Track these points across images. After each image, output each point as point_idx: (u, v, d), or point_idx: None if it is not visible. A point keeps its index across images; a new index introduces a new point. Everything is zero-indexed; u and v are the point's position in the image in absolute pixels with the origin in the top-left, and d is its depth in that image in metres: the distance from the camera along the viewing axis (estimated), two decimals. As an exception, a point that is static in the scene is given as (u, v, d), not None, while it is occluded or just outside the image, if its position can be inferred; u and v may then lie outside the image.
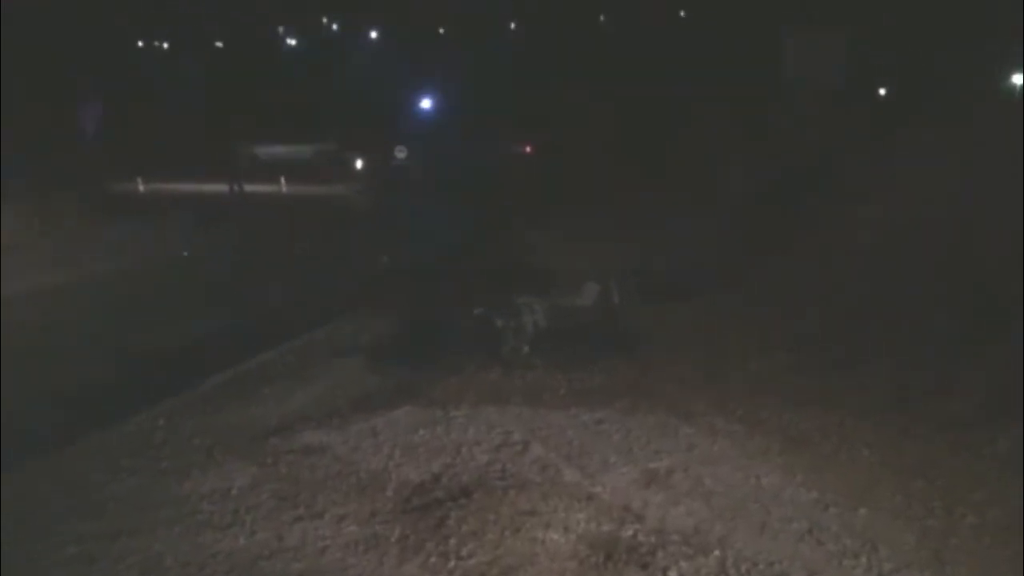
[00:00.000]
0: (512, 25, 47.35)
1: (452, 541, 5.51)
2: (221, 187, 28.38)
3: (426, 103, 33.42)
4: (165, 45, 48.77)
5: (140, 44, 47.03)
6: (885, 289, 10.46)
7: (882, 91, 46.49)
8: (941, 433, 7.08)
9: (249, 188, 28.00)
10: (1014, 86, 47.15)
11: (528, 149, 30.09)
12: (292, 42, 51.90)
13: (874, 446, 6.88)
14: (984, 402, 7.47)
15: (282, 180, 29.49)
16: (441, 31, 48.16)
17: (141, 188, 29.23)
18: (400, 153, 29.68)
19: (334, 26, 51.92)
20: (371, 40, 49.26)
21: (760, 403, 7.81)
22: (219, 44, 48.00)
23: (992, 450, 6.74)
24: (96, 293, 14.53)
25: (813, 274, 11.68)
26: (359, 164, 31.22)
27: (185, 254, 18.51)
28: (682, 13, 42.48)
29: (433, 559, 5.35)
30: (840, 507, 5.92)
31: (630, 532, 5.62)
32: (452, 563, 5.29)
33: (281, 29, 50.85)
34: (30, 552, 5.65)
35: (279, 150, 32.52)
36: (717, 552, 5.38)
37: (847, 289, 10.80)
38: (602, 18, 45.50)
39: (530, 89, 31.71)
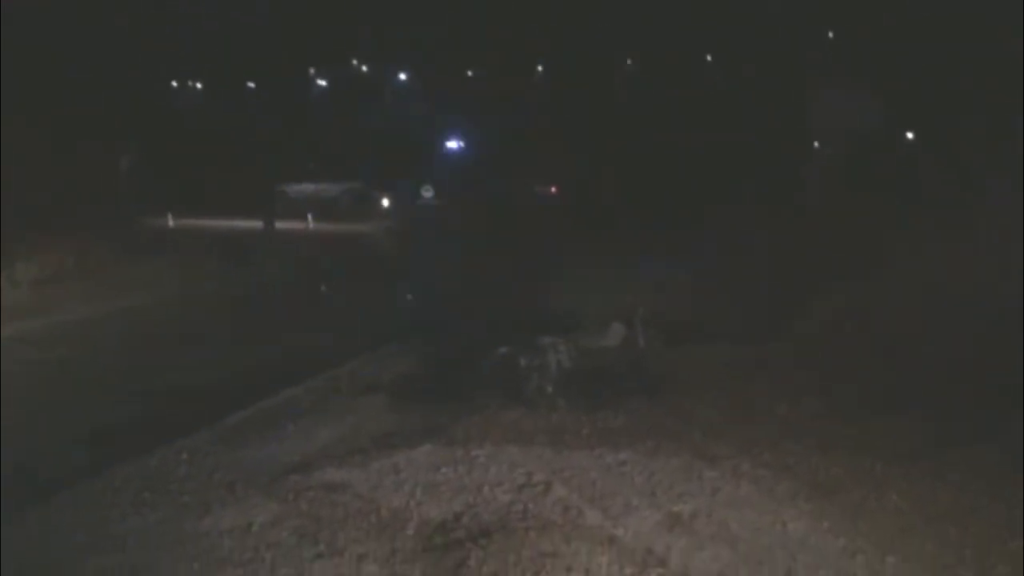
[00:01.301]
0: (539, 68, 47.71)
1: (472, 582, 5.44)
2: (249, 223, 28.74)
3: (453, 143, 33.73)
4: (198, 85, 49.59)
5: (174, 84, 47.83)
6: (915, 339, 10.34)
7: (910, 135, 46.36)
8: (975, 481, 6.93)
9: (277, 225, 28.30)
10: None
11: (553, 190, 30.26)
12: (322, 83, 52.61)
13: (905, 492, 6.74)
14: (1019, 450, 7.30)
15: (309, 217, 29.77)
16: (469, 73, 48.62)
17: (171, 224, 29.60)
18: (427, 192, 29.91)
19: (363, 68, 52.57)
20: (399, 81, 49.90)
21: (787, 448, 7.69)
22: (251, 84, 48.74)
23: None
24: (124, 328, 14.68)
25: (842, 322, 11.58)
26: (385, 203, 31.46)
27: (211, 289, 18.67)
28: (708, 57, 42.63)
29: (452, 600, 5.28)
30: (868, 555, 5.79)
31: (653, 576, 5.52)
32: (472, 605, 5.21)
33: (312, 70, 51.56)
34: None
35: (307, 188, 32.85)
36: (742, 599, 5.27)
37: (876, 338, 10.69)
38: (629, 61, 45.77)
39: (556, 131, 31.92)
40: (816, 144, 42.58)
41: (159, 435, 8.59)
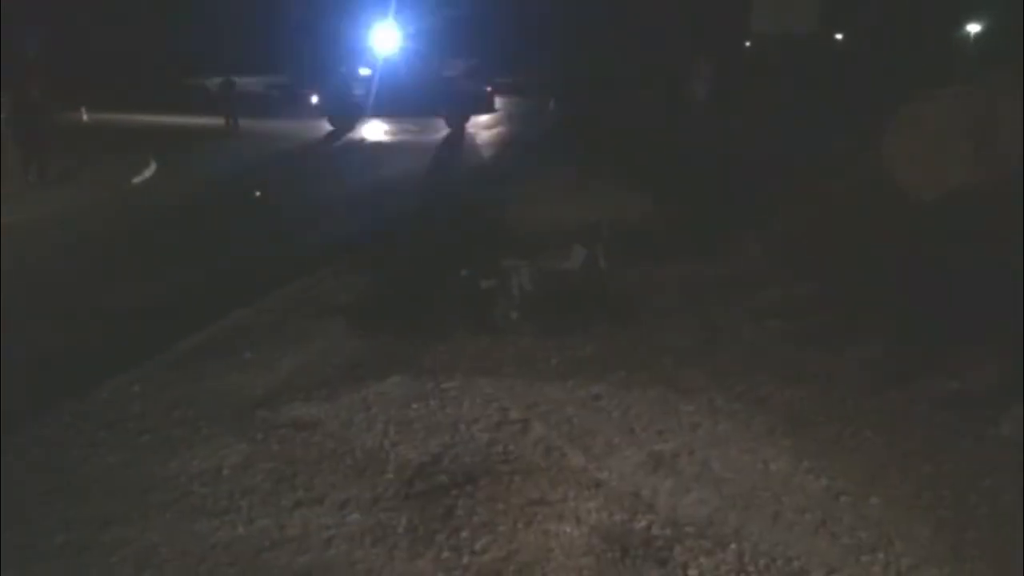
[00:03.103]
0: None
1: (464, 534, 5.32)
2: (168, 119, 27.49)
3: (385, 37, 32.41)
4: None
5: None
6: (877, 253, 10.38)
7: (839, 36, 46.62)
8: (942, 413, 7.05)
9: (201, 121, 27.15)
10: (968, 34, 47.76)
11: (489, 89, 29.72)
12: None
13: (878, 427, 6.82)
14: (985, 380, 7.47)
15: (234, 114, 28.54)
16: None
17: (85, 118, 28.05)
18: (358, 91, 28.88)
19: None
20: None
21: (758, 378, 7.71)
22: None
23: (995, 432, 6.73)
24: (43, 239, 13.88)
25: (796, 237, 11.60)
26: (315, 100, 30.32)
27: (135, 181, 17.84)
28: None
29: (446, 554, 5.15)
30: (851, 496, 5.85)
31: (643, 523, 5.48)
32: (466, 559, 5.10)
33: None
34: (14, 540, 5.32)
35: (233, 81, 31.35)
36: (734, 546, 5.28)
37: (837, 254, 10.71)
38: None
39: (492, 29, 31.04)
40: (748, 44, 42.46)
41: (104, 364, 8.15)
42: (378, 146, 25.97)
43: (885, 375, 7.78)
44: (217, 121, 27.72)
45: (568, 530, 5.40)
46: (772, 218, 12.23)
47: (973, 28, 47.42)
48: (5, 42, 26.19)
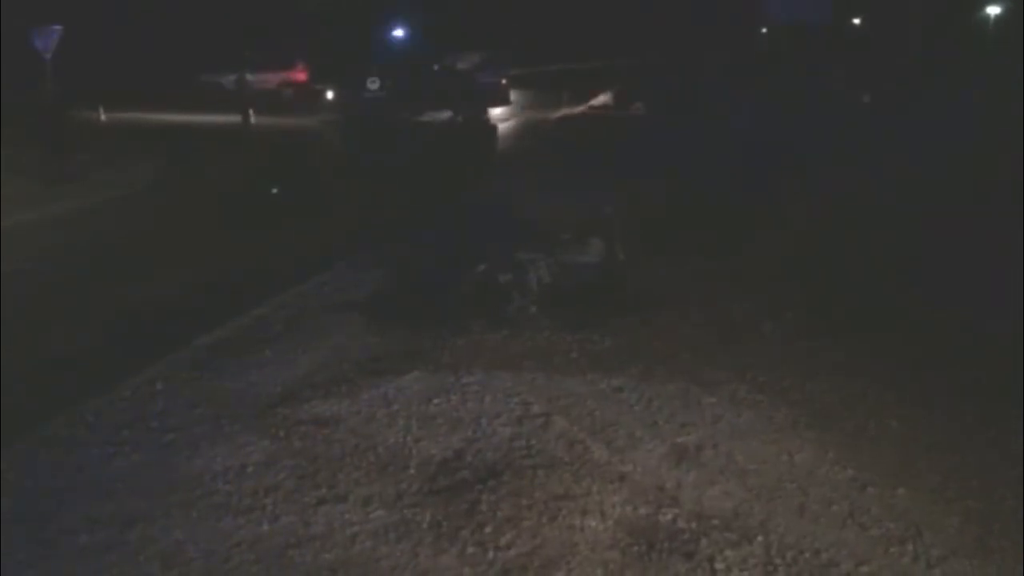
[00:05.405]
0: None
1: (488, 530, 5.31)
2: (185, 117, 27.57)
3: (399, 32, 32.40)
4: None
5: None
6: (895, 245, 10.33)
7: (856, 20, 46.31)
8: (966, 404, 7.00)
9: (218, 119, 27.20)
10: (987, 16, 47.26)
11: (504, 82, 29.68)
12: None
13: (902, 418, 6.78)
14: (1008, 371, 7.39)
15: (250, 111, 28.55)
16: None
17: (102, 118, 28.15)
18: (372, 84, 28.87)
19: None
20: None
21: (780, 371, 7.67)
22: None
23: (1020, 424, 6.65)
24: (61, 237, 13.91)
25: (815, 232, 11.53)
26: (330, 95, 30.32)
27: (151, 179, 17.88)
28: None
29: (471, 549, 5.15)
30: (878, 487, 5.81)
31: (669, 517, 5.46)
32: (491, 554, 5.09)
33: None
34: (40, 539, 5.35)
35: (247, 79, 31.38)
36: (761, 538, 5.25)
37: (854, 247, 10.66)
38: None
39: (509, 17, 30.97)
40: (764, 30, 42.22)
41: (125, 362, 8.18)
42: (392, 141, 25.93)
43: (906, 366, 7.73)
44: (233, 118, 27.74)
45: (593, 524, 5.38)
46: (786, 210, 12.16)
47: (993, 10, 46.93)
48: (23, 42, 26.28)
